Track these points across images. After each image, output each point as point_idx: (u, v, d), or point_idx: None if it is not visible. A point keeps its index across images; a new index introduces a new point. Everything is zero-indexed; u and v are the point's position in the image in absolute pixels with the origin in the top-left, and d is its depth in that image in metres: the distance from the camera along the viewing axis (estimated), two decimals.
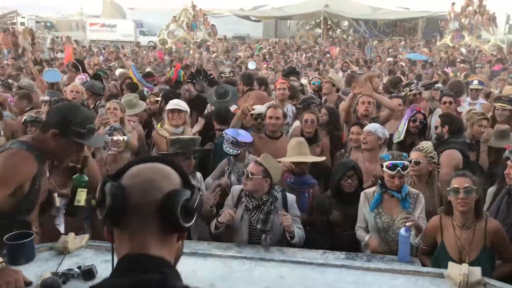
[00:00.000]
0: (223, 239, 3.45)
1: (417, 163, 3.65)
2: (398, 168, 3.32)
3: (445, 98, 5.80)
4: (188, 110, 4.94)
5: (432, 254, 3.19)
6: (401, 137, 4.57)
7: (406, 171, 3.36)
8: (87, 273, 2.26)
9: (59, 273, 2.26)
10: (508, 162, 3.37)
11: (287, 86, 5.82)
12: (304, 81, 8.22)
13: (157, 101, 5.72)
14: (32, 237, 2.43)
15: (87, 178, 2.83)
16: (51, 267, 2.36)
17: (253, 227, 3.37)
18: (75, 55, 13.91)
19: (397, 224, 3.31)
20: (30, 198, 2.49)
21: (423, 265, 3.09)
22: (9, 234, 2.40)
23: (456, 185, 2.95)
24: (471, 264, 2.83)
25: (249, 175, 3.39)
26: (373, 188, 3.54)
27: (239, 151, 4.19)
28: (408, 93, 6.08)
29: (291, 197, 3.53)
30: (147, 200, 1.17)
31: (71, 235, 2.62)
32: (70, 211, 2.84)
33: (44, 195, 2.67)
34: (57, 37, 27.95)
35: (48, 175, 2.76)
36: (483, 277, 2.28)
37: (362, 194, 3.56)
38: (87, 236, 2.70)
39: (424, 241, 3.21)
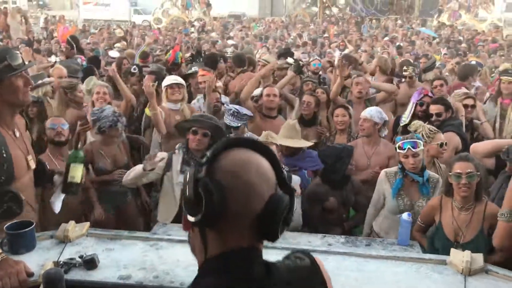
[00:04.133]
0: None
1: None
2: (409, 147, 3.37)
3: (435, 82, 5.74)
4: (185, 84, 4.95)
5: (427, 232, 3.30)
6: (407, 121, 4.56)
7: (418, 149, 3.39)
8: (89, 263, 2.25)
9: (61, 263, 2.26)
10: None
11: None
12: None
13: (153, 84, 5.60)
14: (32, 226, 2.41)
15: (82, 154, 2.76)
16: (52, 256, 2.35)
17: None
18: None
19: (417, 208, 3.36)
20: (3, 167, 2.40)
21: (416, 240, 3.19)
22: (10, 223, 2.39)
23: (458, 170, 2.96)
24: (465, 245, 2.88)
25: None
26: (394, 168, 3.58)
27: (239, 124, 4.18)
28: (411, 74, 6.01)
29: (296, 179, 3.52)
30: (247, 210, 1.07)
31: (71, 223, 2.61)
32: (65, 188, 2.75)
33: (21, 162, 2.55)
34: (53, 16, 27.52)
35: (19, 135, 2.59)
36: (486, 264, 2.28)
37: (382, 173, 3.62)
38: (87, 224, 2.68)
39: (422, 219, 3.28)
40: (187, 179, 1.09)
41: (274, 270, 1.11)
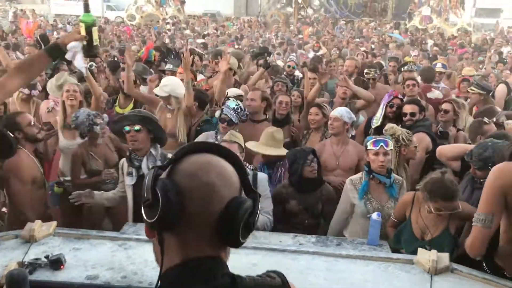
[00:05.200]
0: None
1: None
2: (381, 144, 3.39)
3: (408, 82, 5.86)
4: None
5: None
6: (379, 123, 4.63)
7: (389, 148, 3.42)
8: (55, 263, 2.21)
9: (26, 263, 2.20)
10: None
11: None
12: (279, 62, 8.19)
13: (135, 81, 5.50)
14: None
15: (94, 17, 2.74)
16: (17, 256, 2.29)
17: None
18: (40, 29, 13.34)
19: (387, 210, 3.39)
20: None
21: (388, 237, 3.24)
22: None
23: (442, 208, 2.93)
24: (430, 242, 2.94)
25: None
26: (359, 175, 3.58)
27: (237, 122, 4.22)
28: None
29: (262, 176, 3.50)
30: (205, 211, 1.04)
31: (38, 222, 2.55)
32: (89, 51, 2.70)
33: None
34: (20, 10, 26.84)
35: None
36: (451, 263, 2.34)
37: (347, 181, 3.58)
38: (54, 223, 2.62)
39: (395, 215, 3.31)
40: (146, 180, 1.07)
41: (239, 283, 1.07)
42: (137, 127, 3.44)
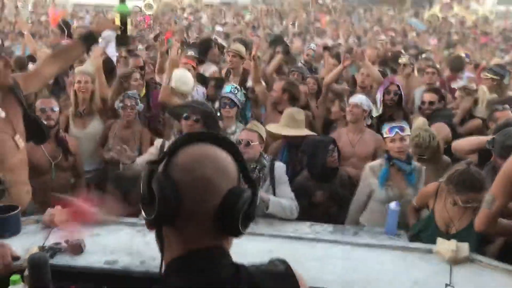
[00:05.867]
0: None
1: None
2: (396, 130, 3.38)
3: (428, 69, 5.78)
4: None
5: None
6: (379, 111, 4.59)
7: (405, 133, 3.39)
8: (75, 248, 2.24)
9: (46, 247, 2.24)
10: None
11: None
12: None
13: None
14: (17, 211, 2.39)
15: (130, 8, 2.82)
16: (38, 241, 2.33)
17: None
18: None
19: (406, 197, 3.37)
20: None
21: (407, 222, 3.25)
22: None
23: (461, 202, 2.88)
24: (455, 236, 2.90)
25: (249, 143, 3.36)
26: (379, 161, 3.56)
27: (238, 103, 4.20)
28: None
29: (279, 165, 3.50)
30: (203, 205, 1.03)
31: (58, 208, 2.58)
32: (123, 41, 2.87)
33: (6, 145, 2.59)
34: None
35: (4, 115, 2.61)
36: (471, 253, 2.31)
37: (367, 167, 3.57)
38: None
39: (417, 202, 3.28)
40: (142, 177, 1.05)
41: (242, 272, 1.06)
42: (196, 117, 3.53)
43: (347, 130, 4.29)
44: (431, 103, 4.53)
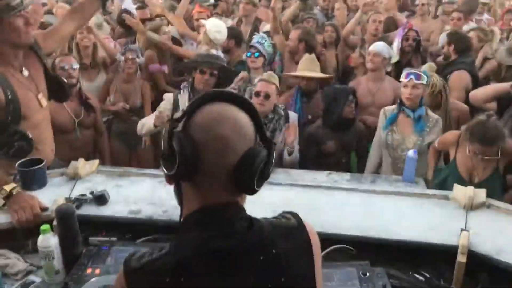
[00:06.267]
0: None
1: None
2: (411, 76, 3.34)
3: (454, 14, 5.61)
4: None
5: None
6: (397, 58, 4.53)
7: (420, 82, 3.35)
8: (100, 198, 2.32)
9: (72, 199, 2.32)
10: None
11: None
12: None
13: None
14: (43, 164, 2.46)
15: None
16: (64, 192, 2.41)
17: None
18: None
19: (407, 144, 3.38)
20: (9, 108, 2.45)
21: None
22: (21, 161, 2.44)
23: (477, 152, 2.91)
24: (479, 185, 2.90)
25: (268, 95, 3.36)
26: (393, 106, 3.58)
27: (265, 54, 4.15)
28: None
29: (293, 115, 3.52)
30: (220, 163, 1.06)
31: (81, 160, 2.66)
32: None
33: (30, 102, 2.62)
34: None
35: (27, 74, 2.63)
36: (488, 199, 2.32)
37: (381, 111, 3.61)
38: (97, 161, 2.74)
39: (439, 146, 3.31)
40: (163, 134, 1.09)
41: (256, 225, 1.10)
42: (213, 71, 3.54)
43: (367, 79, 4.25)
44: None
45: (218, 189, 1.08)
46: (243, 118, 1.11)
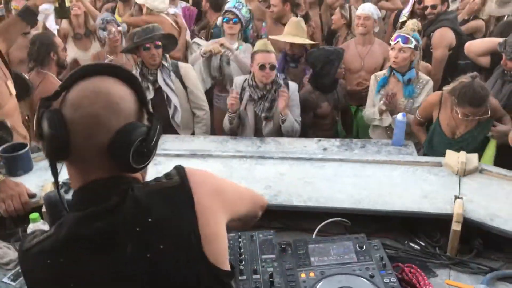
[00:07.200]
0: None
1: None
2: (398, 39, 3.32)
3: None
4: None
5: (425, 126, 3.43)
6: (406, 18, 4.46)
7: (407, 45, 3.32)
8: None
9: (60, 183, 2.26)
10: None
11: None
12: None
13: None
14: (27, 148, 2.40)
15: None
16: (50, 176, 2.33)
17: (257, 117, 3.37)
18: None
19: (399, 107, 3.39)
20: None
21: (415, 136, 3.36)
22: (3, 146, 2.37)
23: (460, 115, 2.93)
24: (460, 140, 2.99)
25: (274, 66, 3.28)
26: (384, 71, 3.57)
27: (241, 18, 4.07)
28: None
29: (293, 85, 3.46)
30: (90, 142, 1.03)
31: None
32: (61, 13, 2.82)
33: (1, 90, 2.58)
34: None
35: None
36: (480, 163, 2.32)
37: (372, 76, 3.60)
38: None
39: (421, 114, 3.31)
40: (35, 113, 1.06)
41: (129, 197, 1.05)
42: (156, 44, 3.36)
43: (356, 42, 4.18)
44: (433, 6, 4.31)
45: (92, 168, 1.06)
46: (120, 92, 1.06)
